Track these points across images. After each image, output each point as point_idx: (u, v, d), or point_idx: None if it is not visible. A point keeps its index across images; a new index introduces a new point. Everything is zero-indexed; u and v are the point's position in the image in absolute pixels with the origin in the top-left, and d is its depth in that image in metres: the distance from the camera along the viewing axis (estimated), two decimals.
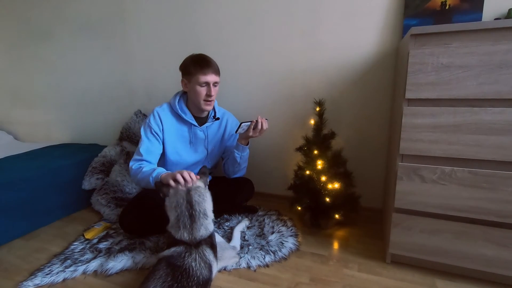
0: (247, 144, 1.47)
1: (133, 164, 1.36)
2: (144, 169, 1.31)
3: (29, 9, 2.31)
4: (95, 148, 2.13)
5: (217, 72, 1.37)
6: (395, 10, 1.43)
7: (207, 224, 1.11)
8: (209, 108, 1.41)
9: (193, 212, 1.09)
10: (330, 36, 1.57)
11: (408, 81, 1.03)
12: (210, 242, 1.10)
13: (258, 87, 1.79)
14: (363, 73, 1.55)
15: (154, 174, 1.26)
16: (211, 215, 1.15)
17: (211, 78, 1.33)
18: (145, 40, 2.00)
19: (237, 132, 1.36)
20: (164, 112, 1.43)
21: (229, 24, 1.76)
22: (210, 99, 1.36)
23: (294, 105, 1.73)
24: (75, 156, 1.94)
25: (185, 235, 1.06)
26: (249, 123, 1.35)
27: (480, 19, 1.27)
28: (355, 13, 1.49)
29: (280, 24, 1.65)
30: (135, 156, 1.39)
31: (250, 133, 1.37)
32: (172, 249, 1.04)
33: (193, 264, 0.99)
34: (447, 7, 1.31)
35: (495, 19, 1.24)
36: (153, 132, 1.39)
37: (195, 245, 1.06)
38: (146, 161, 1.36)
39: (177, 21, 1.88)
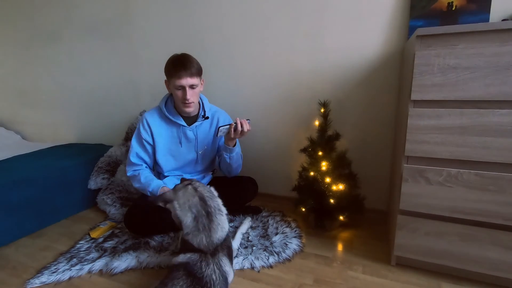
0: (234, 145, 1.46)
1: (127, 171, 1.47)
2: (141, 179, 1.41)
3: (37, 12, 2.35)
4: (101, 148, 2.15)
5: (193, 74, 1.32)
6: (400, 11, 1.42)
7: (223, 222, 1.06)
8: (189, 110, 1.39)
9: (209, 209, 1.04)
10: (335, 37, 1.56)
11: (414, 82, 1.03)
12: (226, 247, 1.04)
13: (263, 89, 1.79)
14: (368, 74, 1.54)
15: (150, 189, 1.37)
16: (224, 210, 1.11)
17: (185, 81, 1.31)
18: (150, 42, 2.02)
19: (217, 136, 1.39)
20: (152, 117, 1.45)
21: (234, 26, 1.76)
22: (186, 102, 1.34)
23: (299, 106, 1.73)
24: (81, 156, 1.96)
25: (203, 240, 0.99)
26: (228, 126, 1.35)
27: (487, 20, 1.26)
28: (360, 14, 1.49)
29: (284, 25, 1.65)
30: (127, 163, 1.48)
31: (232, 135, 1.36)
32: (188, 255, 0.99)
33: (214, 277, 0.94)
34: (453, 8, 1.30)
35: (503, 20, 1.22)
36: (144, 141, 1.44)
37: (212, 253, 0.99)
38: (138, 165, 1.46)
39: (182, 23, 1.89)
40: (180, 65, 1.31)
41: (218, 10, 1.78)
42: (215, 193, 1.14)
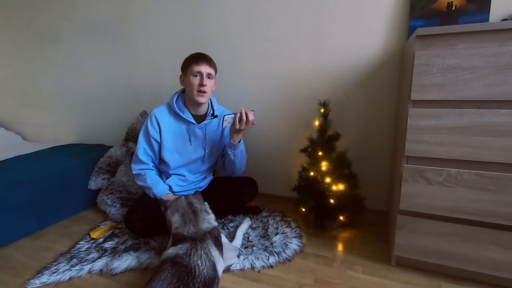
0: (239, 141, 1.47)
1: (133, 169, 1.48)
2: (147, 180, 1.43)
3: (37, 12, 2.35)
4: (101, 149, 2.15)
5: (211, 64, 1.40)
6: (400, 11, 1.42)
7: (209, 219, 1.17)
8: (203, 100, 1.39)
9: (195, 209, 1.17)
10: (335, 38, 1.56)
11: (413, 82, 1.03)
12: (215, 236, 1.11)
13: (263, 89, 1.79)
14: (368, 74, 1.54)
15: (154, 191, 1.42)
16: (211, 213, 1.23)
17: (204, 68, 1.36)
18: (151, 42, 2.02)
19: (223, 126, 1.38)
20: (161, 113, 1.45)
21: (234, 26, 1.76)
22: (202, 89, 1.36)
23: (299, 107, 1.73)
24: (82, 156, 1.97)
25: (191, 228, 1.10)
26: (233, 115, 1.37)
27: (487, 20, 1.26)
28: (360, 14, 1.49)
29: (285, 26, 1.65)
30: (134, 159, 1.48)
31: (237, 126, 1.37)
32: (179, 245, 1.03)
33: (199, 262, 0.98)
34: (453, 8, 1.30)
35: (502, 20, 1.22)
36: (151, 137, 1.44)
37: (201, 238, 1.06)
38: (145, 163, 1.47)
39: (182, 23, 1.89)
40: (200, 55, 1.39)
41: (219, 11, 1.78)
42: (206, 204, 1.25)
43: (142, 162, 1.46)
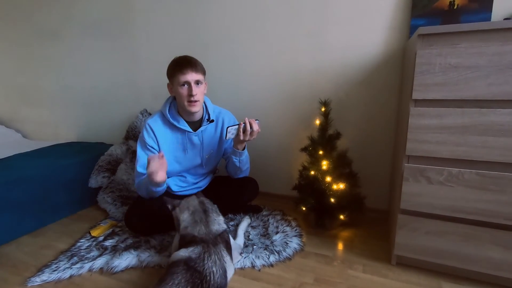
0: (244, 149, 1.44)
1: (135, 182, 1.41)
2: (144, 183, 1.33)
3: (37, 10, 2.35)
4: (101, 147, 2.15)
5: (198, 70, 1.30)
6: (402, 10, 1.41)
7: (219, 220, 1.16)
8: (195, 109, 1.33)
9: (206, 208, 1.17)
10: (336, 36, 1.56)
11: (415, 81, 1.03)
12: (225, 240, 1.09)
13: (264, 88, 1.79)
14: (369, 73, 1.54)
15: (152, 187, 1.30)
16: (221, 214, 1.22)
17: (190, 77, 1.27)
18: (151, 40, 2.01)
19: (226, 138, 1.32)
20: (156, 124, 1.39)
21: (235, 24, 1.76)
22: (192, 99, 1.29)
23: (300, 105, 1.72)
24: (82, 155, 1.96)
25: (202, 228, 1.08)
26: (236, 126, 1.32)
27: (489, 19, 1.25)
28: (362, 13, 1.49)
29: (286, 24, 1.65)
30: (135, 175, 1.40)
31: (241, 137, 1.32)
32: (190, 248, 1.00)
33: (214, 269, 0.95)
34: (455, 7, 1.29)
35: (505, 19, 1.22)
36: (148, 146, 1.39)
37: (213, 241, 1.04)
38: (145, 174, 1.39)
39: (183, 21, 1.89)
40: (184, 62, 1.29)
41: (220, 9, 1.78)
42: (216, 206, 1.24)
43: (142, 174, 1.39)
